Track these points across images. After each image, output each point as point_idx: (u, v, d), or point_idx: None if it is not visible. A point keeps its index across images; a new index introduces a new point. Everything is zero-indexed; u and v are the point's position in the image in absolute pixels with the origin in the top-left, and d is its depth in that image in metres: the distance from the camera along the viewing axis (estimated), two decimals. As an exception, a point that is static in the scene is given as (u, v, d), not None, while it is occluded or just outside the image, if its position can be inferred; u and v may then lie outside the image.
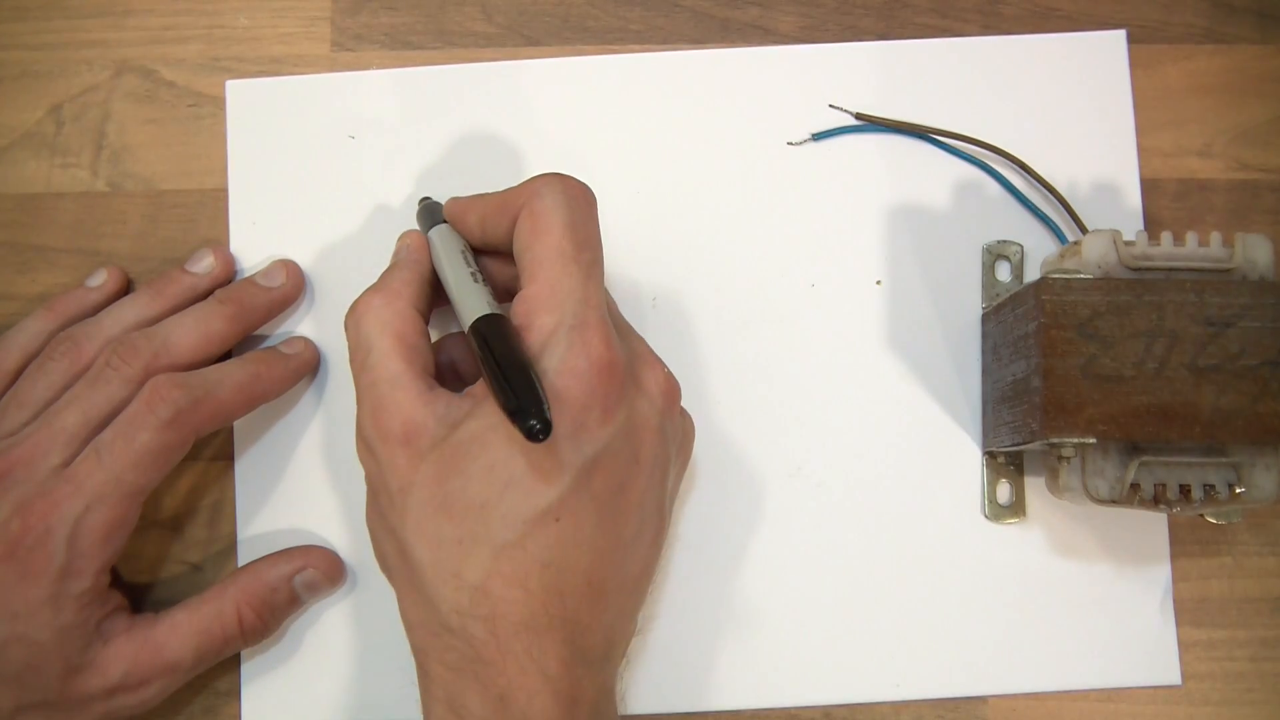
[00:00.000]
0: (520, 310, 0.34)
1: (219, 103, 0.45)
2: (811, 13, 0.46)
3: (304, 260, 0.44)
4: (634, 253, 0.44)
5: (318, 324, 0.43)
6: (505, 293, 0.37)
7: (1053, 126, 0.44)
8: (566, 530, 0.33)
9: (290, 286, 0.43)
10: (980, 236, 0.44)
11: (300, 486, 0.43)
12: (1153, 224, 0.44)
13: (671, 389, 0.36)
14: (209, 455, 0.43)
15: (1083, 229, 0.43)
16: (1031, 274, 0.44)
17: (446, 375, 0.38)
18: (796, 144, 0.45)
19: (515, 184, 0.36)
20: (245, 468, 0.43)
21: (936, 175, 0.44)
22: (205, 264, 0.42)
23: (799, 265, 0.44)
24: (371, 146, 0.44)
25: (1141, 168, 0.44)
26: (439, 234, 0.38)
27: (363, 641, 0.42)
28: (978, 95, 0.45)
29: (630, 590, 0.35)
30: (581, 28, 0.46)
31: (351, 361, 0.36)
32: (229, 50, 0.45)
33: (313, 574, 0.41)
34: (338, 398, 0.43)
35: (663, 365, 0.36)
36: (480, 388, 0.34)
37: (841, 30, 0.45)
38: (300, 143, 0.44)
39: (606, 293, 0.38)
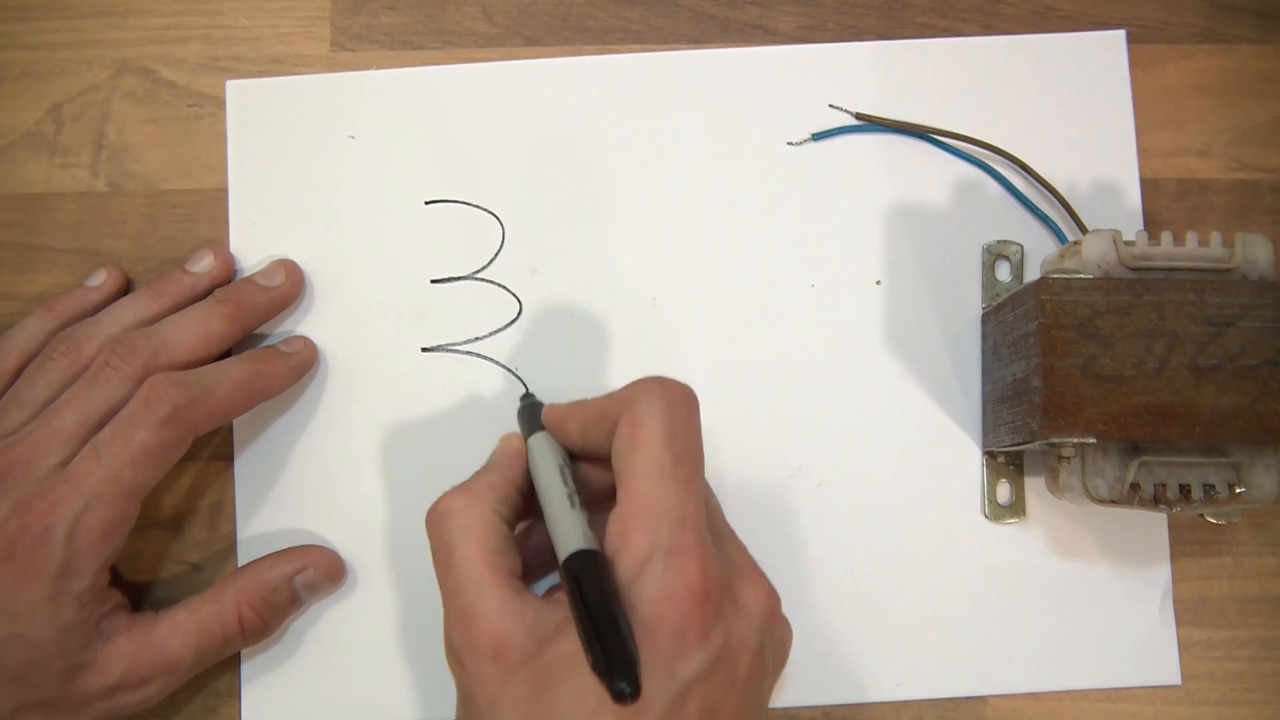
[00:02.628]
0: (615, 530, 0.33)
1: (219, 103, 0.45)
2: (811, 13, 0.46)
3: (304, 260, 0.44)
4: (634, 252, 0.44)
5: (317, 323, 0.43)
6: (605, 499, 0.35)
7: (1053, 126, 0.44)
8: None
9: (289, 286, 0.43)
10: (980, 236, 0.44)
11: (300, 486, 0.43)
12: (1153, 224, 0.44)
13: (772, 606, 0.34)
14: (209, 455, 0.43)
15: (1083, 229, 0.43)
16: (1031, 274, 0.44)
17: (535, 563, 0.37)
18: (796, 144, 0.45)
19: (612, 395, 0.35)
20: (245, 468, 0.43)
21: (936, 175, 0.44)
22: (205, 264, 0.42)
23: (799, 265, 0.44)
24: (371, 146, 0.44)
25: (1141, 168, 0.44)
26: (537, 442, 0.37)
27: (363, 641, 0.42)
28: (978, 95, 0.45)
29: None
30: (581, 28, 0.46)
31: (435, 563, 0.35)
32: (229, 50, 0.45)
33: (313, 574, 0.41)
34: (338, 398, 0.43)
35: (763, 579, 0.35)
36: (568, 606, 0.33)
37: (841, 30, 0.45)
38: (300, 143, 0.44)
39: (709, 493, 0.37)
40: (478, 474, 0.37)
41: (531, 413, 0.39)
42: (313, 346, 0.43)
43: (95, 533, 0.36)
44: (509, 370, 0.43)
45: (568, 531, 0.33)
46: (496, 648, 0.32)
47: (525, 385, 0.43)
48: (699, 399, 0.35)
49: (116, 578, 0.40)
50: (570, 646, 0.32)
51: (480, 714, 0.33)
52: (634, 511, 0.33)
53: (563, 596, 0.33)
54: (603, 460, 0.36)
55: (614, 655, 0.30)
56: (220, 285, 0.42)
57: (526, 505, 0.37)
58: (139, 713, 0.38)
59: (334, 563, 0.41)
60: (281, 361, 0.41)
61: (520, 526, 0.37)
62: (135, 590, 0.42)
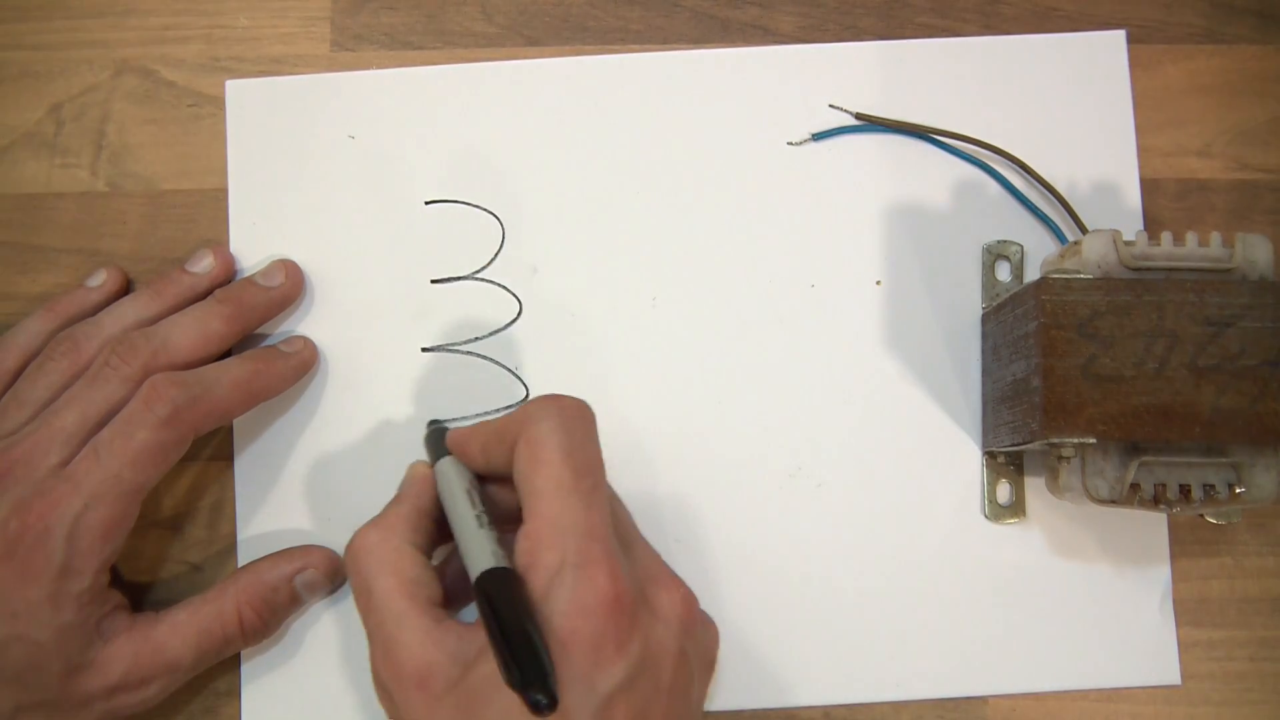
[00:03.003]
0: (523, 548, 0.33)
1: (219, 103, 0.45)
2: (811, 13, 0.46)
3: (304, 260, 0.44)
4: (634, 252, 0.44)
5: (317, 323, 0.43)
6: (516, 519, 0.35)
7: (1053, 126, 0.44)
8: None
9: (289, 286, 0.43)
10: (980, 236, 0.44)
11: (300, 486, 0.43)
12: (1153, 224, 0.44)
13: (689, 609, 0.34)
14: (208, 455, 0.43)
15: (1083, 229, 0.43)
16: (1031, 274, 0.44)
17: (456, 590, 0.37)
18: (796, 144, 0.45)
19: (511, 412, 0.36)
20: (245, 468, 0.43)
21: (936, 175, 0.44)
22: (205, 264, 0.42)
23: (799, 265, 0.44)
24: (371, 146, 0.44)
25: (1141, 168, 0.44)
26: (444, 467, 0.37)
27: (363, 641, 0.42)
28: (978, 95, 0.45)
29: None
30: (581, 28, 0.46)
31: (355, 599, 0.35)
32: (229, 50, 0.45)
33: (313, 574, 0.41)
34: (337, 398, 0.43)
35: (677, 583, 0.35)
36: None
37: (841, 30, 0.45)
38: (300, 143, 0.44)
39: (617, 503, 0.37)
40: (388, 506, 0.37)
41: (437, 438, 0.39)
42: (313, 346, 0.43)
43: (95, 533, 0.36)
44: (509, 370, 0.43)
45: (477, 551, 0.34)
46: (421, 677, 0.32)
47: (438, 415, 0.43)
48: (595, 412, 0.35)
49: (116, 578, 0.40)
50: (492, 668, 0.31)
51: None
52: (540, 528, 0.33)
53: (478, 623, 0.33)
54: (509, 480, 0.35)
55: (527, 667, 0.30)
56: (220, 285, 0.42)
57: (440, 531, 0.37)
58: (139, 712, 0.38)
59: (334, 563, 0.41)
60: (282, 361, 0.41)
61: (439, 554, 0.37)
62: (135, 590, 0.42)
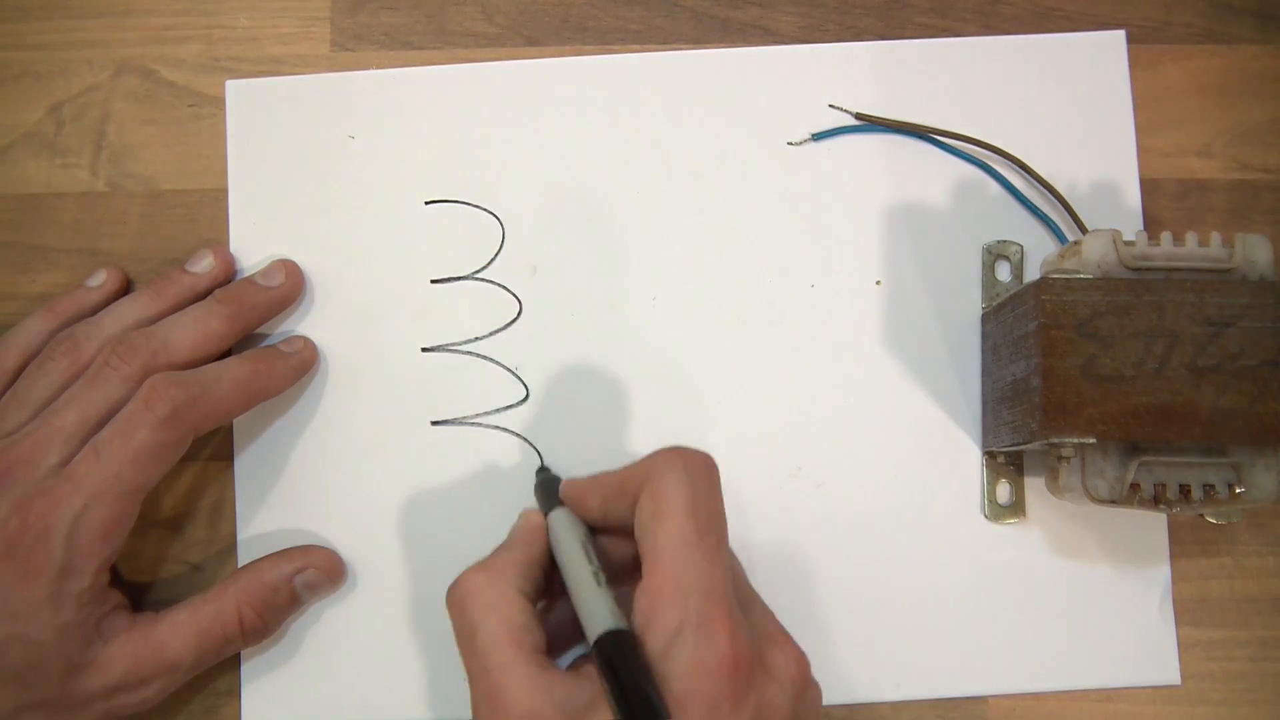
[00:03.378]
0: (643, 605, 0.33)
1: (219, 103, 0.45)
2: (811, 13, 0.46)
3: (304, 260, 0.44)
4: (634, 252, 0.44)
5: (317, 323, 0.43)
6: (628, 571, 0.36)
7: (1053, 126, 0.44)
8: None
9: (289, 286, 0.43)
10: (980, 236, 0.44)
11: (300, 487, 0.43)
12: (1153, 224, 0.44)
13: (802, 670, 0.34)
14: (208, 455, 0.43)
15: (1083, 229, 0.43)
16: (1031, 274, 0.44)
17: (557, 639, 0.37)
18: (796, 144, 0.45)
19: (637, 462, 0.35)
20: (245, 468, 0.43)
21: (936, 175, 0.44)
22: (205, 264, 0.42)
23: (799, 265, 0.44)
24: (371, 146, 0.44)
25: (1141, 168, 0.44)
26: (558, 519, 0.37)
27: (363, 641, 0.42)
28: (978, 95, 0.45)
29: None
30: (581, 28, 0.46)
31: (459, 642, 0.34)
32: (229, 50, 0.45)
33: (313, 574, 0.41)
34: (338, 398, 0.43)
35: (793, 644, 0.34)
36: (598, 682, 0.33)
37: (841, 30, 0.45)
38: (300, 143, 0.44)
39: (734, 560, 0.36)
40: (498, 550, 0.36)
41: (549, 487, 0.38)
42: (313, 346, 0.43)
43: (95, 532, 0.36)
44: (509, 370, 0.43)
45: (596, 610, 0.33)
46: None
47: (541, 457, 0.42)
48: (717, 462, 0.35)
49: (116, 578, 0.40)
50: None
51: None
52: (661, 585, 0.32)
53: (590, 671, 0.33)
54: (623, 532, 0.35)
55: None
56: (220, 285, 0.42)
57: (548, 582, 0.36)
58: (139, 712, 0.38)
59: (334, 563, 0.41)
60: (282, 361, 0.41)
61: (541, 604, 0.37)
62: (135, 590, 0.42)
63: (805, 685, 0.34)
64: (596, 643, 0.32)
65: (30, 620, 0.36)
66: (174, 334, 0.39)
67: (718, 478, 0.35)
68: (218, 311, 0.40)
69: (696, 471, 0.34)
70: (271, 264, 0.43)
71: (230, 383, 0.39)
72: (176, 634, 0.38)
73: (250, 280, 0.42)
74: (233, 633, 0.39)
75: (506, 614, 0.34)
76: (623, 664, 0.32)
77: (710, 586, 0.32)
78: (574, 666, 0.34)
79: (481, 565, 0.35)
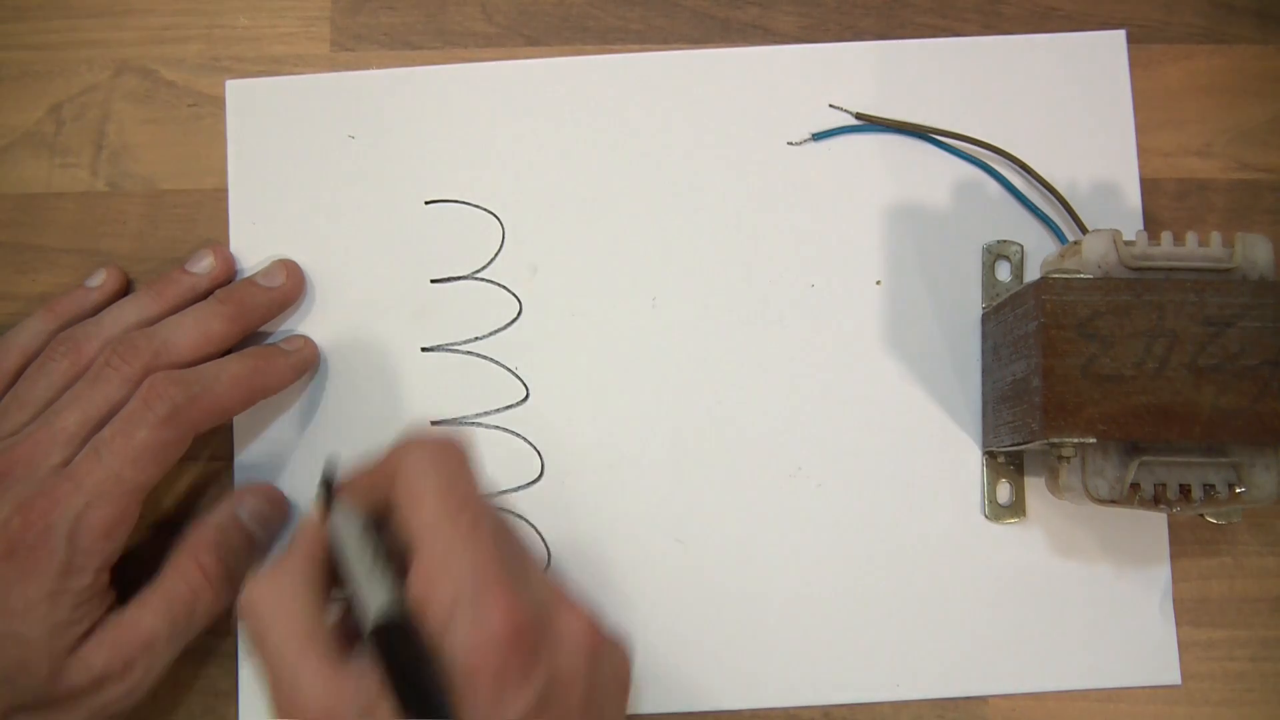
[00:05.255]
0: (416, 590, 0.32)
1: (219, 103, 0.45)
2: (811, 13, 0.46)
3: (304, 260, 0.44)
4: (634, 252, 0.44)
5: (317, 323, 0.43)
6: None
7: (1053, 126, 0.44)
8: None
9: (290, 286, 0.43)
10: (980, 236, 0.44)
11: (300, 487, 0.43)
12: (1153, 224, 0.44)
13: (592, 634, 0.34)
14: (208, 455, 0.43)
15: (1083, 229, 0.43)
16: (1031, 274, 0.44)
17: (357, 635, 0.36)
18: (796, 144, 0.45)
19: (387, 450, 0.35)
20: (245, 468, 0.43)
21: (936, 175, 0.44)
22: (205, 264, 0.42)
23: (799, 265, 0.44)
24: (371, 146, 0.44)
25: (1141, 167, 0.44)
26: (336, 514, 0.36)
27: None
28: (978, 95, 0.45)
29: None
30: (581, 28, 0.46)
31: (252, 649, 0.34)
32: (229, 50, 0.45)
33: (254, 502, 0.40)
34: (337, 398, 0.43)
35: (579, 609, 0.34)
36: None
37: (841, 30, 0.45)
38: (300, 143, 0.44)
39: (508, 532, 0.36)
40: (281, 556, 0.36)
41: (328, 485, 0.37)
42: (313, 345, 0.43)
43: (97, 531, 0.36)
44: (509, 370, 0.43)
45: (370, 600, 0.33)
46: None
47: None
48: (471, 444, 0.35)
49: (116, 579, 0.40)
50: (392, 710, 0.31)
51: None
52: (429, 569, 0.32)
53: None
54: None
55: (424, 704, 0.30)
56: (221, 285, 0.42)
57: (336, 579, 0.36)
58: (132, 703, 0.38)
59: (271, 491, 0.41)
60: (282, 358, 0.41)
61: (341, 599, 0.37)
62: (135, 590, 0.42)
63: (598, 647, 0.34)
64: (370, 634, 0.32)
65: (26, 618, 0.36)
66: (175, 334, 0.39)
67: (465, 456, 0.35)
68: (218, 312, 0.40)
69: (440, 455, 0.34)
70: (272, 264, 0.43)
71: (230, 380, 0.39)
72: (145, 609, 0.38)
73: (251, 280, 0.42)
74: (199, 585, 0.38)
75: (292, 616, 0.33)
76: (396, 643, 0.32)
77: (476, 562, 0.32)
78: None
79: (265, 572, 0.35)
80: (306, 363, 0.42)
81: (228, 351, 0.41)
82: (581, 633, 0.34)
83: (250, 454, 0.43)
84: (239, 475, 0.43)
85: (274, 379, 0.41)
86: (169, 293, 0.41)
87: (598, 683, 0.34)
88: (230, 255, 0.43)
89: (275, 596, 0.34)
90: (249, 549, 0.41)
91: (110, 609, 0.38)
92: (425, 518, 0.33)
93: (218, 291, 0.42)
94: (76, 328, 0.40)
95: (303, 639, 0.33)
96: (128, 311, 0.41)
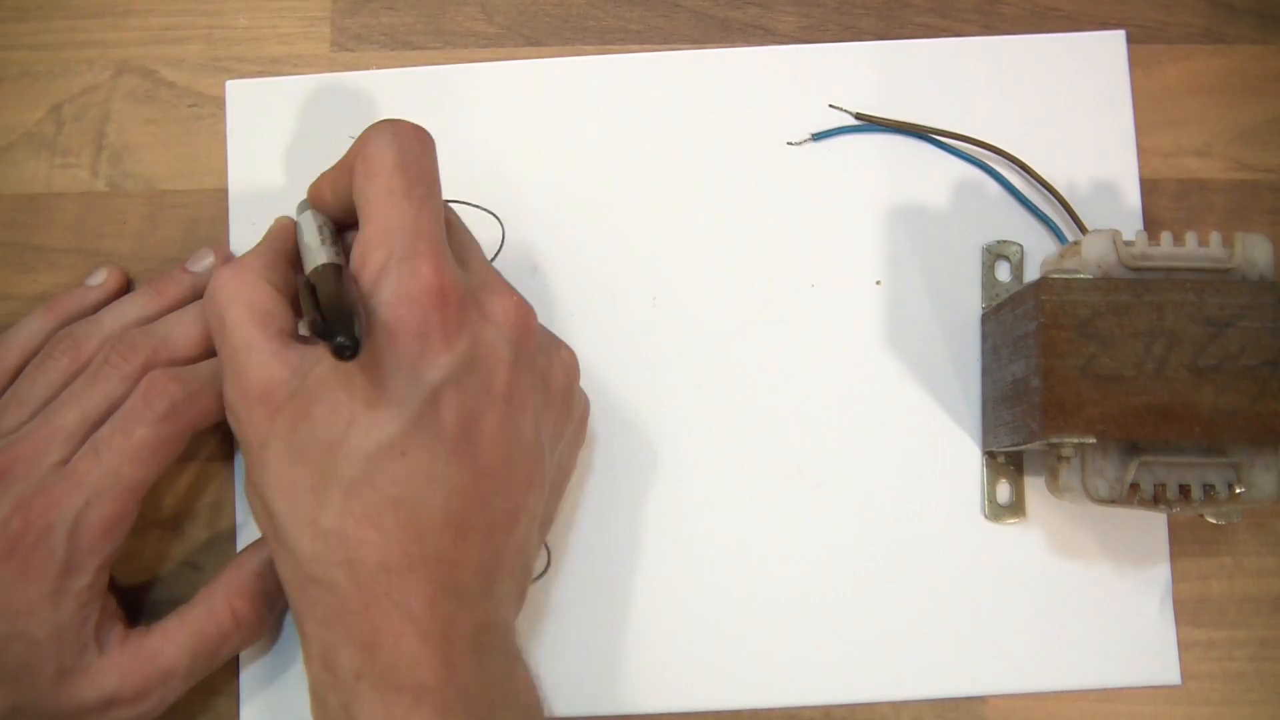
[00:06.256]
0: (356, 254, 0.34)
1: (219, 103, 0.45)
2: (811, 13, 0.46)
3: (304, 260, 0.44)
4: (634, 252, 0.44)
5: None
6: None
7: (1052, 126, 0.44)
8: (417, 465, 0.33)
9: None
10: (980, 236, 0.44)
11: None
12: (1152, 224, 0.44)
13: (522, 317, 0.35)
14: (208, 455, 0.43)
15: (1082, 229, 0.43)
16: (1031, 274, 0.44)
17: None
18: (796, 144, 0.45)
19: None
20: (244, 468, 0.43)
21: (936, 175, 0.44)
22: (206, 263, 0.42)
23: (799, 265, 0.44)
24: (371, 146, 0.44)
25: (1141, 168, 0.44)
26: (301, 214, 0.39)
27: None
28: (977, 95, 0.45)
29: (504, 527, 0.35)
30: (581, 28, 0.46)
31: (212, 334, 0.37)
32: (229, 50, 0.45)
33: None
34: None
35: (512, 293, 0.36)
36: None
37: (841, 30, 0.45)
38: (300, 143, 0.44)
39: (454, 217, 0.38)
40: (247, 251, 0.38)
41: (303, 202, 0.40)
42: None
43: (96, 530, 0.36)
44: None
45: (313, 259, 0.36)
46: (264, 392, 0.34)
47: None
48: (434, 140, 0.36)
49: (115, 584, 0.40)
50: (324, 368, 0.33)
51: (254, 458, 0.34)
52: (370, 232, 0.34)
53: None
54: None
55: (333, 317, 0.31)
56: None
57: (298, 272, 0.38)
58: None
59: None
60: None
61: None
62: (134, 590, 0.42)
63: (528, 332, 0.35)
64: (304, 279, 0.35)
65: (29, 618, 0.35)
66: (174, 331, 0.39)
67: (430, 143, 0.36)
68: None
69: (405, 133, 0.35)
70: None
71: None
72: (169, 640, 0.37)
73: None
74: (228, 628, 0.38)
75: (250, 300, 0.35)
76: (324, 284, 0.33)
77: (415, 227, 0.34)
78: None
79: (230, 262, 0.37)
80: None
81: None
82: (511, 312, 0.35)
83: (250, 454, 0.43)
84: (239, 475, 0.43)
85: None
86: (169, 291, 0.41)
87: (524, 369, 0.35)
88: (231, 254, 0.43)
89: (235, 284, 0.36)
90: (281, 595, 0.40)
91: (115, 618, 0.38)
92: (379, 186, 0.34)
93: None
94: (76, 326, 0.40)
95: (258, 322, 0.35)
96: (128, 309, 0.41)
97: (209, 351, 0.40)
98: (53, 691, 0.36)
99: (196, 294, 0.42)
